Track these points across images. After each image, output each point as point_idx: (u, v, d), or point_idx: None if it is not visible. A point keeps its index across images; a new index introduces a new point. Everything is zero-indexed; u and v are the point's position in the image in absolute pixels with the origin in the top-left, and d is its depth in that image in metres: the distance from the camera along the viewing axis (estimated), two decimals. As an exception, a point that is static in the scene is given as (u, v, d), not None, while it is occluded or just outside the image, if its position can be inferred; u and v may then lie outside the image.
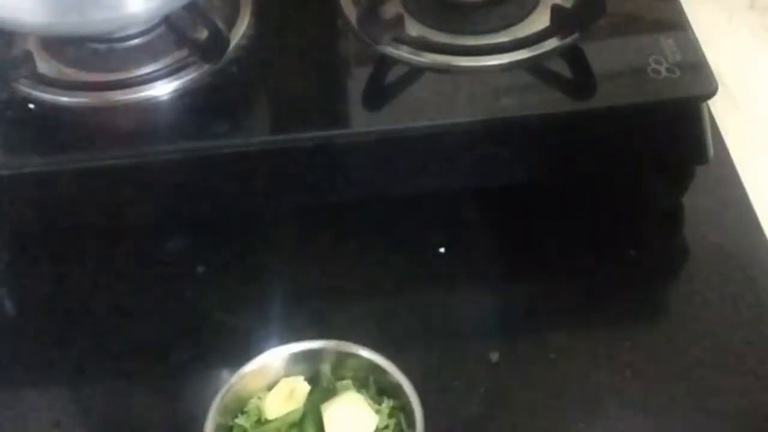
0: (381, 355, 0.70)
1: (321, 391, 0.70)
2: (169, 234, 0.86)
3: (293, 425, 0.69)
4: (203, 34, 0.85)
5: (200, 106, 0.83)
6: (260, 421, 0.69)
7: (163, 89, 0.84)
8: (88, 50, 0.87)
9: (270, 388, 0.70)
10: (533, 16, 0.88)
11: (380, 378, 0.70)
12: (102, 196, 0.82)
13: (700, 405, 0.74)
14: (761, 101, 0.99)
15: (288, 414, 0.69)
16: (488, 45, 0.85)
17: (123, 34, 0.86)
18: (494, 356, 0.77)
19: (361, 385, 0.70)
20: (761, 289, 0.81)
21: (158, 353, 0.79)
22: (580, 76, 0.84)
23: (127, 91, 0.84)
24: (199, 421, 0.67)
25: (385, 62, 0.85)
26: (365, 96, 0.83)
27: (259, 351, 0.71)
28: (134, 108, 0.83)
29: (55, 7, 0.80)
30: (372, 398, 0.70)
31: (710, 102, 0.82)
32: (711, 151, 0.83)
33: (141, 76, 0.85)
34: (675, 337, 0.78)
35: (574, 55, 0.84)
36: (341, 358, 0.71)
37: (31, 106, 0.84)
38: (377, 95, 0.84)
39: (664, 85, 0.80)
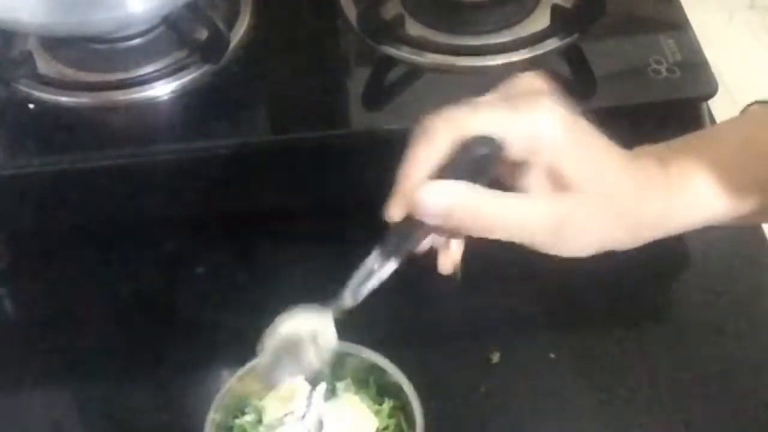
0: (381, 355, 0.70)
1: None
2: (169, 234, 0.86)
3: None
4: (203, 34, 0.85)
5: (200, 106, 0.83)
6: (260, 421, 0.69)
7: (163, 89, 0.84)
8: (88, 50, 0.87)
9: (270, 388, 0.70)
10: (533, 16, 0.88)
11: (380, 378, 0.70)
12: (102, 196, 0.82)
13: (701, 404, 0.74)
14: (761, 101, 0.99)
15: (288, 414, 0.69)
16: (488, 45, 0.85)
17: (123, 34, 0.86)
18: (494, 356, 0.77)
19: (361, 385, 0.70)
20: (761, 288, 0.81)
21: (158, 353, 0.79)
22: (580, 76, 0.84)
23: (127, 91, 0.84)
24: (199, 421, 0.67)
25: (385, 62, 0.85)
26: (365, 96, 0.83)
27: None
28: (134, 108, 0.83)
29: (55, 7, 0.80)
30: (372, 398, 0.70)
31: (710, 102, 0.82)
32: (711, 151, 0.83)
33: (141, 76, 0.85)
34: (675, 337, 0.78)
35: (574, 55, 0.84)
36: (341, 358, 0.71)
37: (31, 106, 0.84)
38: (377, 95, 0.84)
39: (664, 85, 0.80)
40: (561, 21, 0.85)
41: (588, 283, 0.81)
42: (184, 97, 0.84)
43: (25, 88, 0.84)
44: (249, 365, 0.70)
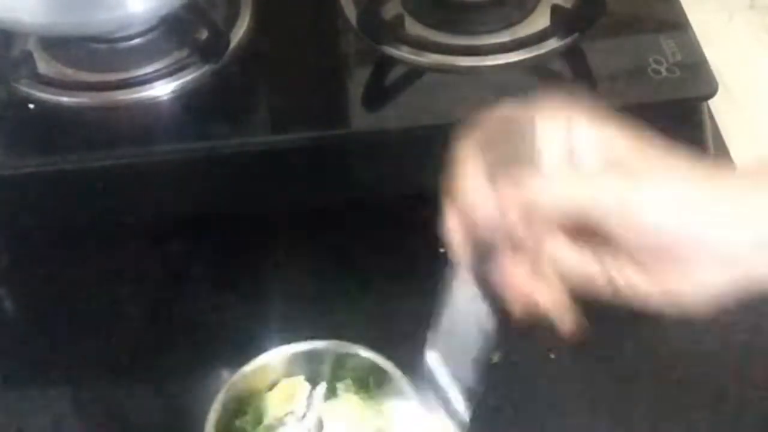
0: (381, 355, 0.70)
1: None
2: (169, 234, 0.86)
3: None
4: (203, 34, 0.86)
5: (200, 106, 0.83)
6: (260, 421, 0.69)
7: (163, 89, 0.84)
8: (88, 50, 0.87)
9: (270, 388, 0.70)
10: (533, 16, 0.88)
11: (380, 378, 0.70)
12: (102, 196, 0.82)
13: (702, 404, 0.74)
14: (761, 101, 0.99)
15: (288, 414, 0.69)
16: (488, 45, 0.85)
17: (123, 34, 0.86)
18: (494, 356, 0.77)
19: (361, 385, 0.70)
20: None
21: (158, 353, 0.79)
22: (580, 76, 0.84)
23: (127, 91, 0.84)
24: (199, 421, 0.67)
25: (385, 62, 0.85)
26: (365, 96, 0.83)
27: (259, 351, 0.71)
28: (134, 108, 0.83)
29: (55, 7, 0.80)
30: (372, 398, 0.70)
31: (710, 102, 0.82)
32: (711, 151, 0.83)
33: (141, 76, 0.85)
34: (675, 337, 0.78)
35: (574, 55, 0.84)
36: (341, 358, 0.71)
37: (31, 106, 0.84)
38: (377, 95, 0.84)
39: (664, 85, 0.80)
40: (561, 21, 0.85)
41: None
42: (184, 97, 0.84)
43: (25, 88, 0.84)
44: (249, 365, 0.70)
